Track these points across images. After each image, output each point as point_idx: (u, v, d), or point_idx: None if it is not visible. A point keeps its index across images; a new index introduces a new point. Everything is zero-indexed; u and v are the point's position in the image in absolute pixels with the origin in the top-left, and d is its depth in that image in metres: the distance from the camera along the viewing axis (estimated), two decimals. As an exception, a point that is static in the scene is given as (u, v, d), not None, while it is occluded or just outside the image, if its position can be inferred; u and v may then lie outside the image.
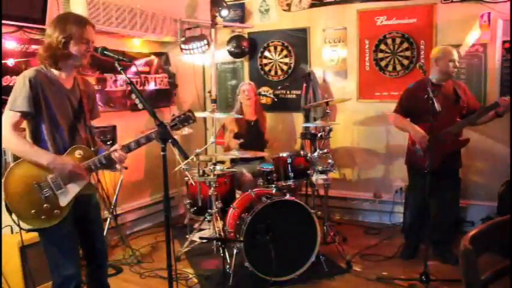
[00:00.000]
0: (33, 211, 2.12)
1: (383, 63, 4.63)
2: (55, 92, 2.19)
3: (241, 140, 3.96)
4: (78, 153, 2.23)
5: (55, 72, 2.22)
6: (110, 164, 2.27)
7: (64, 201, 2.17)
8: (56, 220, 2.16)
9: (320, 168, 3.87)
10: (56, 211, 2.16)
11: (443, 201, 3.55)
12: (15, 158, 2.93)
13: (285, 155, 3.65)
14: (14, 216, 2.14)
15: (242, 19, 5.25)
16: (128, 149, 2.26)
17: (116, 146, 2.26)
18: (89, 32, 2.20)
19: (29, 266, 2.98)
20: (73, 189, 2.19)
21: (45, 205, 2.13)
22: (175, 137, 2.20)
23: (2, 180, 2.12)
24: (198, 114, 2.85)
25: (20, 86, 2.11)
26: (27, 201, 2.12)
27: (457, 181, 3.78)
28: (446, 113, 3.29)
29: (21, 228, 2.16)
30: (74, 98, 2.28)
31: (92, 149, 2.31)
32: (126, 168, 2.33)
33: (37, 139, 2.18)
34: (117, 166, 2.28)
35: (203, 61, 5.36)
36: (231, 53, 5.25)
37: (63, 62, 2.20)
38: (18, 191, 2.13)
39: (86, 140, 2.31)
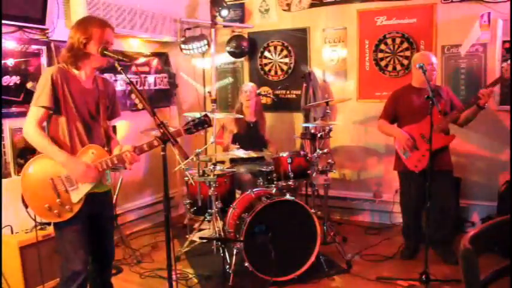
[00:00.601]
0: (46, 205, 2.21)
1: (383, 63, 4.63)
2: (74, 90, 2.27)
3: (238, 146, 3.97)
4: (91, 151, 2.29)
5: (75, 71, 2.30)
6: (121, 164, 2.31)
7: (76, 197, 2.24)
8: (68, 215, 2.23)
9: (320, 168, 3.88)
10: (67, 206, 2.23)
11: (442, 202, 3.55)
12: (19, 157, 2.95)
13: (285, 155, 3.65)
14: (29, 209, 2.24)
15: (242, 19, 5.25)
16: (140, 150, 2.30)
17: (128, 147, 2.30)
18: (108, 34, 2.31)
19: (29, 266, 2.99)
20: (85, 187, 2.26)
21: (57, 200, 2.21)
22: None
23: (20, 176, 2.24)
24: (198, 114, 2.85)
25: (42, 83, 2.21)
26: (41, 196, 2.21)
27: (453, 181, 3.80)
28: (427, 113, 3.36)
29: (36, 222, 2.26)
30: (92, 97, 2.36)
31: (106, 148, 2.37)
32: (126, 168, 2.34)
33: (55, 135, 2.27)
34: (127, 167, 2.31)
35: (203, 61, 5.36)
36: (231, 53, 5.24)
37: (82, 62, 2.29)
38: (33, 185, 2.23)
39: (101, 139, 2.38)
